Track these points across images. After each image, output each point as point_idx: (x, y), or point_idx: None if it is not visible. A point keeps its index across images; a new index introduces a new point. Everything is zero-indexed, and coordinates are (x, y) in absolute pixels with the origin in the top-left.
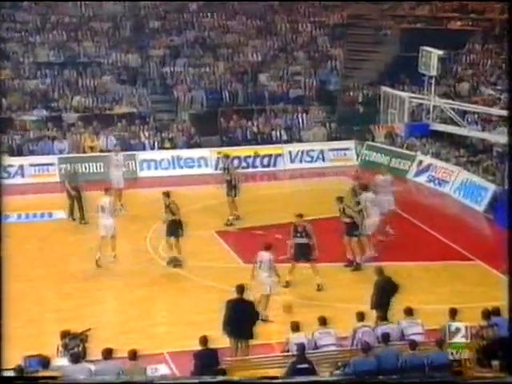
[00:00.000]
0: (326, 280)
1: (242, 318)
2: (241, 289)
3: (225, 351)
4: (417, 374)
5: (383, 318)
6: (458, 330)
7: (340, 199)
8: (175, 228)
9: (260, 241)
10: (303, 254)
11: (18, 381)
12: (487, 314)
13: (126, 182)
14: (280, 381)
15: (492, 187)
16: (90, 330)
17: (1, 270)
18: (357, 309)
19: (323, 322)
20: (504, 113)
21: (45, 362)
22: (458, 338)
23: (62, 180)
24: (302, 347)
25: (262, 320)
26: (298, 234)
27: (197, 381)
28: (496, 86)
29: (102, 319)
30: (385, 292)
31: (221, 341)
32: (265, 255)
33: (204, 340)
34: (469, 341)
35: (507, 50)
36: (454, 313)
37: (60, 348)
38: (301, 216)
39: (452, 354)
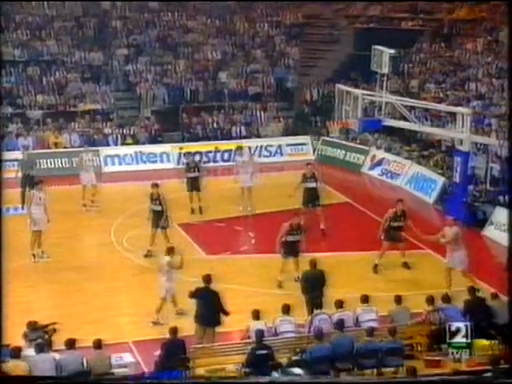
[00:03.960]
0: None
1: (207, 306)
2: (207, 278)
3: (189, 339)
4: (371, 359)
5: (319, 306)
6: (458, 329)
7: (401, 201)
8: (163, 219)
9: (221, 233)
10: (312, 199)
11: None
12: (431, 300)
13: (96, 178)
14: (280, 380)
15: (441, 180)
16: (55, 323)
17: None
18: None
19: (286, 310)
20: (452, 109)
21: (15, 352)
22: (459, 338)
23: (17, 168)
24: (260, 333)
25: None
26: (309, 180)
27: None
28: (443, 83)
29: (65, 310)
30: (316, 283)
31: (185, 330)
32: (164, 259)
33: (174, 330)
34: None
35: (507, 49)
36: (399, 299)
37: (26, 338)
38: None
39: (452, 353)
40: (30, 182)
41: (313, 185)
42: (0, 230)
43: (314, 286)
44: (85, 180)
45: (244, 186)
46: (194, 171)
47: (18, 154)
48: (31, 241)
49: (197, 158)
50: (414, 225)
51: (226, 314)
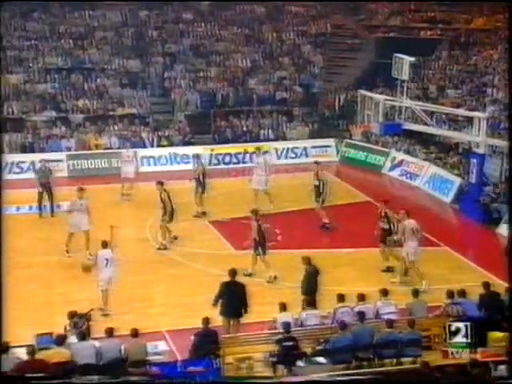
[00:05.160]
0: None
1: (234, 298)
2: (233, 272)
3: (218, 329)
4: (390, 349)
5: (311, 303)
6: (458, 329)
7: (385, 202)
8: (168, 215)
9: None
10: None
11: (18, 381)
12: (451, 294)
13: (134, 174)
14: (280, 380)
15: (458, 180)
16: (92, 310)
17: (1, 258)
18: (335, 291)
19: (312, 303)
20: (468, 114)
21: (60, 340)
22: (459, 338)
23: (35, 177)
24: (287, 326)
25: None
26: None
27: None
28: (460, 89)
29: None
30: (312, 279)
31: (217, 320)
32: (103, 253)
33: (206, 320)
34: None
35: (508, 53)
36: (416, 293)
37: (68, 327)
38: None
39: (452, 353)
40: (46, 189)
41: (316, 183)
42: (0, 230)
43: (312, 282)
44: (124, 173)
45: (257, 189)
46: (197, 172)
47: (61, 155)
48: (67, 239)
49: (227, 158)
50: (432, 223)
51: (246, 307)
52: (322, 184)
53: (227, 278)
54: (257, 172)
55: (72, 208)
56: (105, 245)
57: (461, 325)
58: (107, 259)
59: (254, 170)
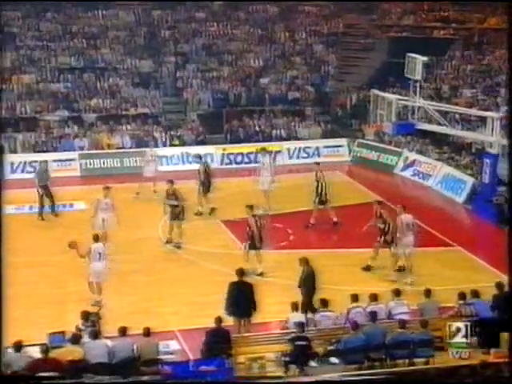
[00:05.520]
0: (317, 265)
1: (242, 298)
2: (241, 272)
3: (230, 328)
4: (403, 350)
5: (308, 305)
6: (458, 329)
7: (379, 203)
8: (178, 213)
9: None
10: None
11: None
12: (462, 296)
13: (155, 172)
14: (282, 381)
15: (471, 180)
16: (100, 308)
17: (1, 257)
18: (345, 290)
19: (325, 304)
20: (482, 113)
21: (76, 339)
22: (459, 338)
23: (35, 178)
24: (301, 325)
25: None
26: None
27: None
28: (474, 89)
29: (113, 301)
30: (310, 280)
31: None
32: (96, 246)
33: (219, 319)
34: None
35: (507, 52)
36: (428, 293)
37: (81, 326)
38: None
39: (452, 353)
40: (46, 191)
41: (315, 184)
42: (0, 230)
43: (310, 284)
44: (148, 173)
45: (263, 189)
46: (202, 173)
47: (74, 155)
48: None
49: (239, 158)
50: (445, 223)
51: (255, 306)
52: (320, 185)
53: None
54: (263, 173)
55: (97, 207)
56: (96, 238)
57: (461, 325)
58: (100, 253)
59: (260, 170)
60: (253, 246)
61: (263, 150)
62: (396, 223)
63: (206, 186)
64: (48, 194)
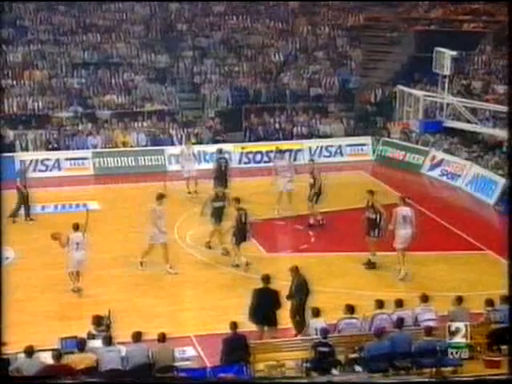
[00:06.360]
0: (335, 268)
1: (267, 306)
2: (266, 278)
3: (250, 334)
4: (430, 358)
5: (299, 312)
6: (458, 329)
7: (371, 192)
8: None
9: (281, 231)
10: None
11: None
12: (490, 302)
13: (195, 171)
14: (285, 381)
15: (502, 181)
16: (109, 312)
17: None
18: (366, 295)
19: (350, 309)
20: None
21: (81, 344)
22: (459, 338)
23: (17, 178)
24: (325, 332)
25: None
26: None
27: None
28: (506, 85)
29: (130, 305)
30: (301, 289)
31: (245, 325)
32: (74, 236)
33: (234, 325)
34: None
35: (508, 53)
36: (460, 300)
37: (93, 331)
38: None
39: (452, 353)
40: (25, 191)
41: (311, 181)
42: (0, 229)
43: (302, 293)
44: (186, 171)
45: (282, 191)
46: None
47: (87, 153)
48: (145, 251)
49: (258, 157)
50: (475, 225)
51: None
52: (315, 183)
53: (259, 282)
54: (281, 174)
55: (152, 216)
56: (76, 227)
57: (461, 325)
58: (78, 243)
59: (278, 172)
60: (237, 241)
61: (278, 150)
62: (392, 215)
63: (224, 183)
64: (27, 196)
